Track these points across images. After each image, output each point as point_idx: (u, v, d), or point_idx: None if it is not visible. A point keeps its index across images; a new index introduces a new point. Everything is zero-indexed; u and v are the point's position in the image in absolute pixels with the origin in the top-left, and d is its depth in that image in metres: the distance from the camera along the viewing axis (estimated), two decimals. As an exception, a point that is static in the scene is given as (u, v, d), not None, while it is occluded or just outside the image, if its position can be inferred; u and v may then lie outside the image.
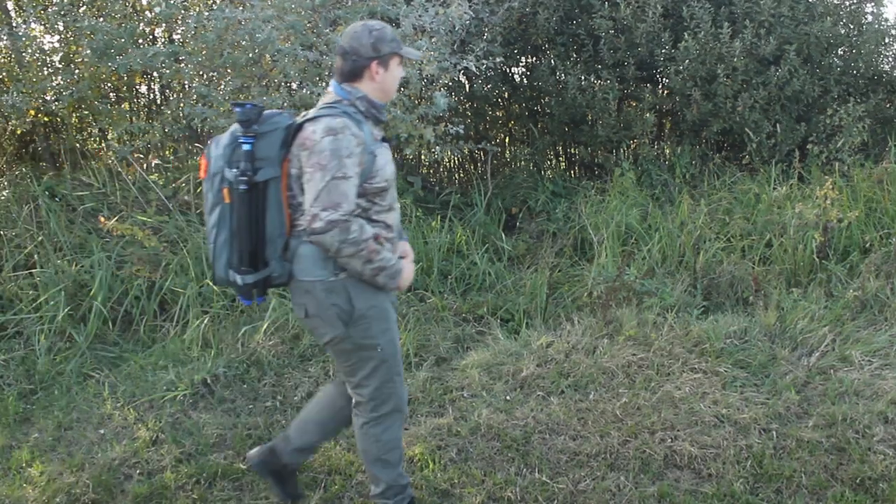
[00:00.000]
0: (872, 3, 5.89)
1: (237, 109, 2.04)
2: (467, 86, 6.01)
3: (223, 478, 2.71)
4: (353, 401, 2.27)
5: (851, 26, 5.89)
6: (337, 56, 2.16)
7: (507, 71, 6.13)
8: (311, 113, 2.09)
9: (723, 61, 5.38)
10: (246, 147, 2.04)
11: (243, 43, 4.17)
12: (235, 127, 2.08)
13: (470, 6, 4.64)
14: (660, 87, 6.14)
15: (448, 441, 2.90)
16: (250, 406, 3.21)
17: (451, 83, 5.54)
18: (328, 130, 2.00)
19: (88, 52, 4.19)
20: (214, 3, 4.99)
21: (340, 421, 2.43)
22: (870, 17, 5.88)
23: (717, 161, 5.84)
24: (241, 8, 4.26)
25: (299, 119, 2.11)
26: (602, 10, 5.54)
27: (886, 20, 5.88)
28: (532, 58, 6.19)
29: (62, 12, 4.47)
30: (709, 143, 6.09)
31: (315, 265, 2.09)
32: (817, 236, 4.40)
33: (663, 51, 5.56)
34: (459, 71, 4.84)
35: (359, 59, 2.09)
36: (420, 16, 4.27)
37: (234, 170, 2.04)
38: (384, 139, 2.19)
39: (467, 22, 4.76)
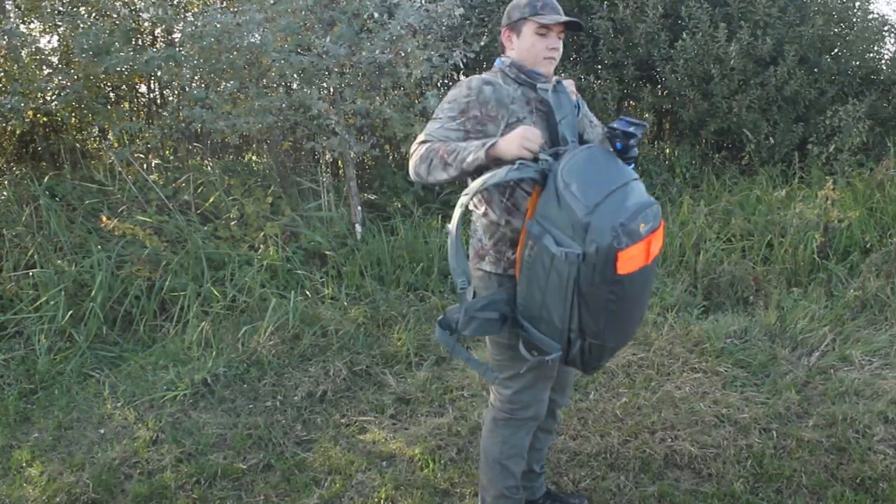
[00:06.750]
0: (858, 8, 5.90)
1: None
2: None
3: (223, 478, 2.71)
4: (492, 395, 2.19)
5: (843, 25, 5.90)
6: None
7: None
8: None
9: (720, 61, 5.38)
10: None
11: (241, 45, 4.17)
12: None
13: (460, 2, 4.63)
14: (659, 86, 6.14)
15: (448, 441, 2.90)
16: (250, 406, 3.21)
17: (448, 82, 5.53)
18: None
19: (81, 52, 4.18)
20: (213, 2, 4.99)
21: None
22: (859, 15, 5.89)
23: (716, 161, 5.84)
24: (235, 12, 4.26)
25: None
26: (601, 11, 5.54)
27: (879, 17, 5.87)
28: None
29: (57, 12, 4.46)
30: (708, 143, 6.09)
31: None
32: (817, 236, 4.40)
33: (660, 51, 5.57)
34: (450, 69, 4.82)
35: (500, 31, 2.10)
36: (407, 17, 4.26)
37: None
38: (577, 106, 2.05)
39: (460, 17, 4.74)
